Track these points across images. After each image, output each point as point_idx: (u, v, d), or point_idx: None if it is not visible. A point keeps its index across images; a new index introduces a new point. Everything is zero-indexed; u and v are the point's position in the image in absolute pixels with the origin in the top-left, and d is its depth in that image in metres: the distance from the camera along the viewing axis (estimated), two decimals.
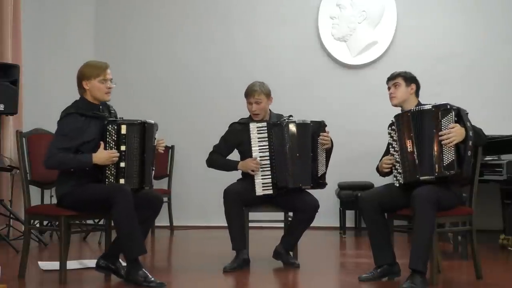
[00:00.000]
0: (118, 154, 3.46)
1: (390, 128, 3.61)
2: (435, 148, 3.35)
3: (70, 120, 3.46)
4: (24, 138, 3.72)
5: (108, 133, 3.48)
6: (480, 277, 3.58)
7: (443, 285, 3.49)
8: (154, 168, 3.72)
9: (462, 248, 4.44)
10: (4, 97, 5.02)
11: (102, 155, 3.43)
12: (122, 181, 3.48)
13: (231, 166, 4.16)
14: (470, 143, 3.32)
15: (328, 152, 4.07)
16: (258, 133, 3.99)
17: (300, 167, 3.97)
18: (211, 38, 6.66)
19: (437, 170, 3.35)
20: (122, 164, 3.48)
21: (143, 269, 3.38)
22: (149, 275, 3.37)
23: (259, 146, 3.99)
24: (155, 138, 3.70)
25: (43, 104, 5.88)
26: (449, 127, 3.33)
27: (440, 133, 3.34)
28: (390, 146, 3.61)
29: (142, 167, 3.55)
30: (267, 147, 3.99)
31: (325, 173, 4.05)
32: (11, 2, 5.49)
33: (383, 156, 3.74)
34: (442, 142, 3.32)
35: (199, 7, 6.71)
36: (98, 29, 6.78)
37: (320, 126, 4.04)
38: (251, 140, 3.99)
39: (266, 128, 3.99)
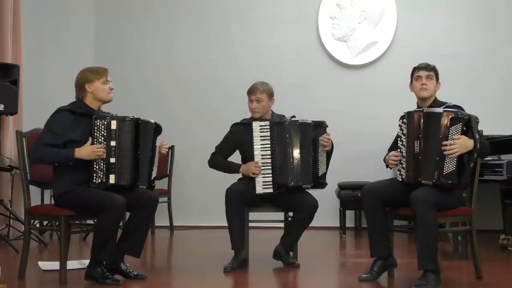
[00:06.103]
0: (103, 150, 3.42)
1: (401, 121, 3.56)
2: (439, 155, 3.33)
3: (59, 116, 3.48)
4: (24, 138, 3.72)
5: (96, 127, 3.45)
6: (480, 277, 3.58)
7: (443, 285, 3.47)
8: (155, 169, 3.69)
9: (462, 248, 4.44)
10: (4, 97, 5.02)
11: (86, 150, 3.41)
12: (112, 177, 3.45)
13: (233, 169, 4.15)
14: (475, 155, 3.30)
15: (329, 153, 4.07)
16: (260, 132, 3.98)
17: (301, 166, 3.97)
18: (211, 38, 6.66)
19: (435, 177, 3.34)
20: (112, 160, 3.45)
21: (102, 267, 3.44)
22: (106, 272, 3.44)
23: (261, 144, 3.98)
24: (156, 139, 3.67)
25: (43, 104, 5.87)
26: (454, 137, 3.30)
27: (444, 142, 3.31)
28: (399, 139, 3.58)
29: (136, 165, 3.52)
30: (269, 146, 3.98)
31: (325, 173, 4.06)
32: (11, 2, 5.49)
33: (391, 146, 3.74)
34: (445, 153, 3.30)
35: (198, 7, 6.70)
36: (97, 30, 6.77)
37: (321, 126, 4.05)
38: (253, 139, 3.98)
39: (268, 127, 3.99)
